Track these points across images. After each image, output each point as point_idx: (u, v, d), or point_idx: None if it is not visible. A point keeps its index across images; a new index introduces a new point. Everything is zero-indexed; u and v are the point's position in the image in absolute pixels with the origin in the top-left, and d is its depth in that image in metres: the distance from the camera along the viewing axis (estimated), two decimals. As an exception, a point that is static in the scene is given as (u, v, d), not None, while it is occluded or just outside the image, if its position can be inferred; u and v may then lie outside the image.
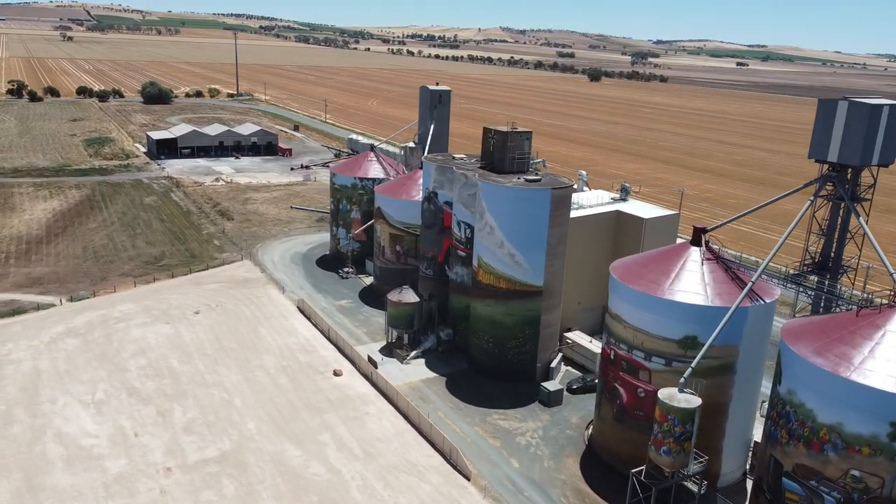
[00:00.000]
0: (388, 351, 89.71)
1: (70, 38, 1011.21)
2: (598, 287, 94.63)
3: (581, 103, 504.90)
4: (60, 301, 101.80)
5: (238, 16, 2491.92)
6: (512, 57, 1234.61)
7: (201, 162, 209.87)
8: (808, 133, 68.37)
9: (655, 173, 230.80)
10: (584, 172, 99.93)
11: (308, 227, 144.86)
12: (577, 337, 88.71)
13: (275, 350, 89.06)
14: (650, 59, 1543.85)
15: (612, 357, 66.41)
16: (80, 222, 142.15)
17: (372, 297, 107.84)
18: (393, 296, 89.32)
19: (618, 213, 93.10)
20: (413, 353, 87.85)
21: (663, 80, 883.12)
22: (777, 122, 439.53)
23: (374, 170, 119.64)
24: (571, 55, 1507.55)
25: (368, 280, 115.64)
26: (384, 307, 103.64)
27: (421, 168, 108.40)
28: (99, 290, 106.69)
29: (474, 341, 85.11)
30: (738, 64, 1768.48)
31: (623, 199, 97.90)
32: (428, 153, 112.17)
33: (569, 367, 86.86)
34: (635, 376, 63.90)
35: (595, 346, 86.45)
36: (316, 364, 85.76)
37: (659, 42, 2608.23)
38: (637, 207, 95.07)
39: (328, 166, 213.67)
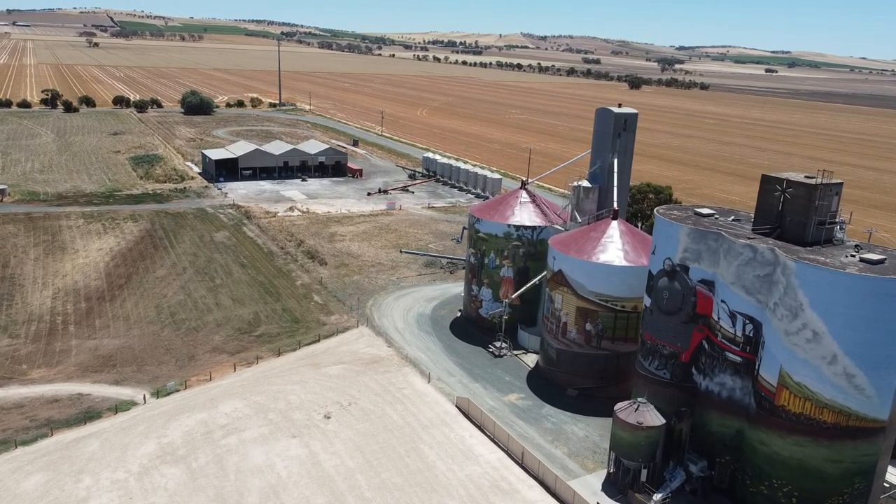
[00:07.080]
0: (615, 489, 63.37)
1: (96, 45, 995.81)
2: None
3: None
4: (144, 398, 76.28)
5: (259, 22, 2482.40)
6: (540, 63, 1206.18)
7: (265, 185, 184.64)
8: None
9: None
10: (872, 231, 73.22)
11: (419, 275, 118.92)
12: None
13: (458, 490, 62.82)
14: (677, 66, 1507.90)
15: None
16: (146, 268, 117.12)
17: (547, 390, 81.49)
18: (626, 415, 62.74)
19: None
20: (659, 496, 61.35)
21: (704, 87, 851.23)
22: (852, 135, 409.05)
23: (532, 215, 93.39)
24: (597, 61, 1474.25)
25: (528, 358, 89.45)
26: (573, 408, 77.85)
27: (613, 217, 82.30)
28: (189, 377, 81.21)
29: (760, 489, 58.44)
30: (767, 70, 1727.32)
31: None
32: (618, 197, 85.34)
33: (889, 524, 60.01)
34: None
35: (933, 495, 59.60)
36: (527, 518, 59.50)
37: (682, 48, 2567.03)
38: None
39: (408, 190, 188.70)
